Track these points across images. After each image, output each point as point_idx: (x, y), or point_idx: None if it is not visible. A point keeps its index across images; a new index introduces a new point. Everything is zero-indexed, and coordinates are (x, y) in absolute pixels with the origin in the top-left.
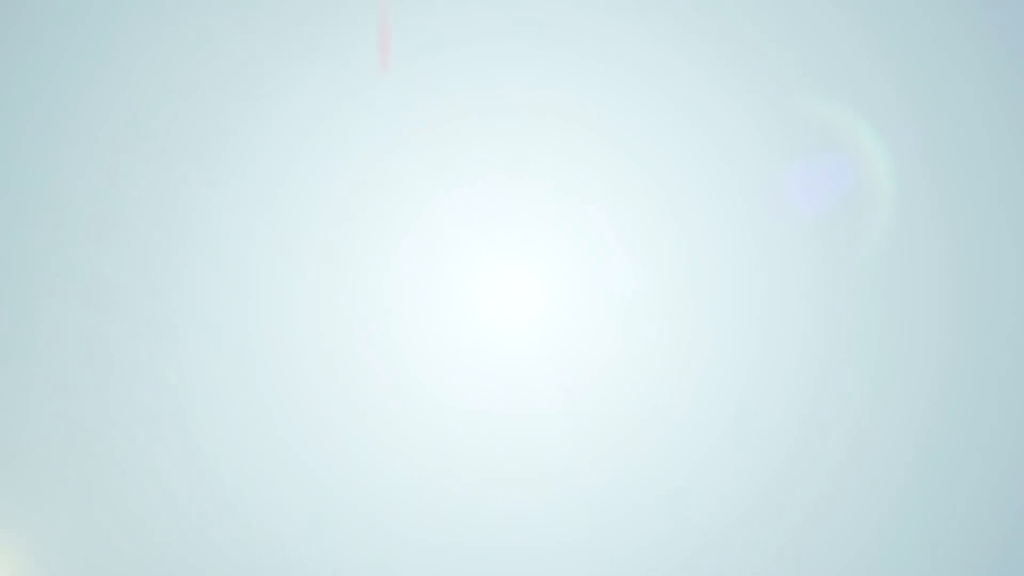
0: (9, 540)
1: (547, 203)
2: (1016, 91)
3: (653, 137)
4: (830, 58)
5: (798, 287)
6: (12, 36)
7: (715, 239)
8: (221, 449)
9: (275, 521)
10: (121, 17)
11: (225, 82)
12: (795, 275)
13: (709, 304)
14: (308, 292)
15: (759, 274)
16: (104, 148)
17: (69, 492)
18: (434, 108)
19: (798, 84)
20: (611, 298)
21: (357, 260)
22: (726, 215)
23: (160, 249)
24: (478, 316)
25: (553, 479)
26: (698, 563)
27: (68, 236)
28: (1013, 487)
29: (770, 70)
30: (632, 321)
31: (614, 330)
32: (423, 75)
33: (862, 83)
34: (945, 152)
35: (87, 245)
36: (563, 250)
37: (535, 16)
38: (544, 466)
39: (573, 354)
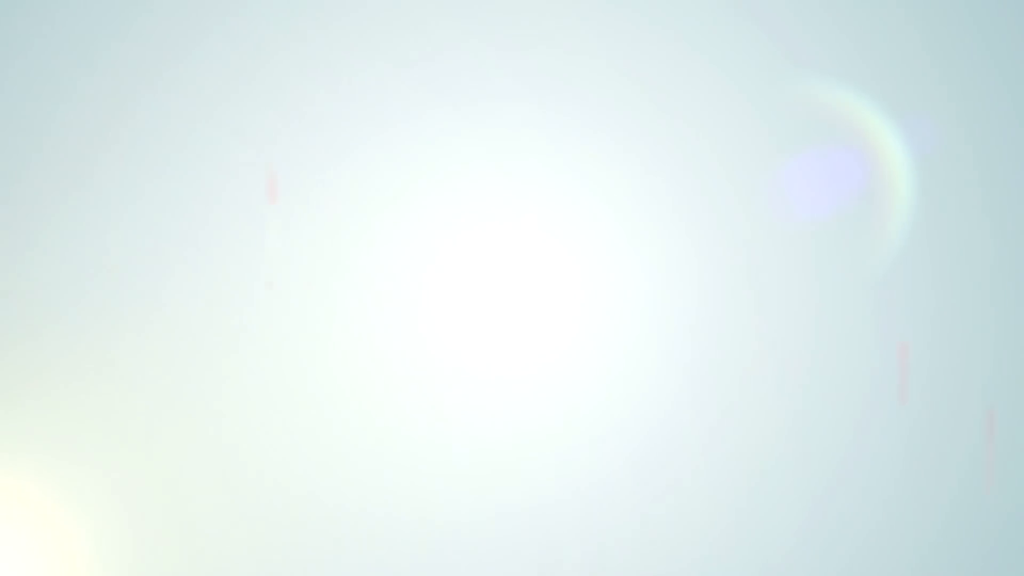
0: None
1: (549, 198)
2: None
3: (656, 130)
4: (842, 42)
5: (807, 290)
6: None
7: (718, 239)
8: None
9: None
10: None
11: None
12: (803, 278)
13: (714, 306)
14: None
15: (766, 276)
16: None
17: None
18: (428, 111)
19: (808, 71)
20: (615, 297)
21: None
22: (729, 213)
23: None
24: (469, 317)
25: (558, 475)
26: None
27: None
28: None
29: (777, 57)
30: (636, 321)
31: (618, 329)
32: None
33: (876, 69)
34: (968, 146)
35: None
36: (565, 249)
37: (531, 14)
38: (549, 462)
39: (575, 354)
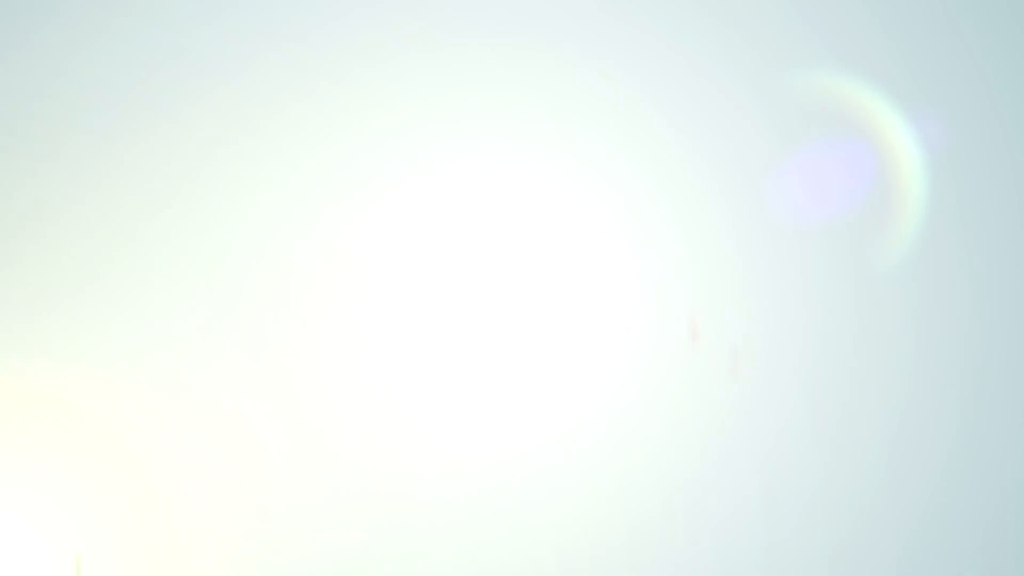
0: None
1: (540, 200)
2: None
3: (654, 125)
4: (850, 30)
5: (812, 296)
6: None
7: (718, 240)
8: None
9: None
10: None
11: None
12: (810, 284)
13: (716, 313)
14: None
15: (769, 278)
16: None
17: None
18: (424, 111)
19: (811, 58)
20: (609, 299)
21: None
22: (730, 213)
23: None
24: (468, 314)
25: (549, 477)
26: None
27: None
28: None
29: (778, 44)
30: (630, 324)
31: (612, 334)
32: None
33: (887, 58)
34: (986, 141)
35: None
36: (560, 251)
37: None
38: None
39: (571, 358)
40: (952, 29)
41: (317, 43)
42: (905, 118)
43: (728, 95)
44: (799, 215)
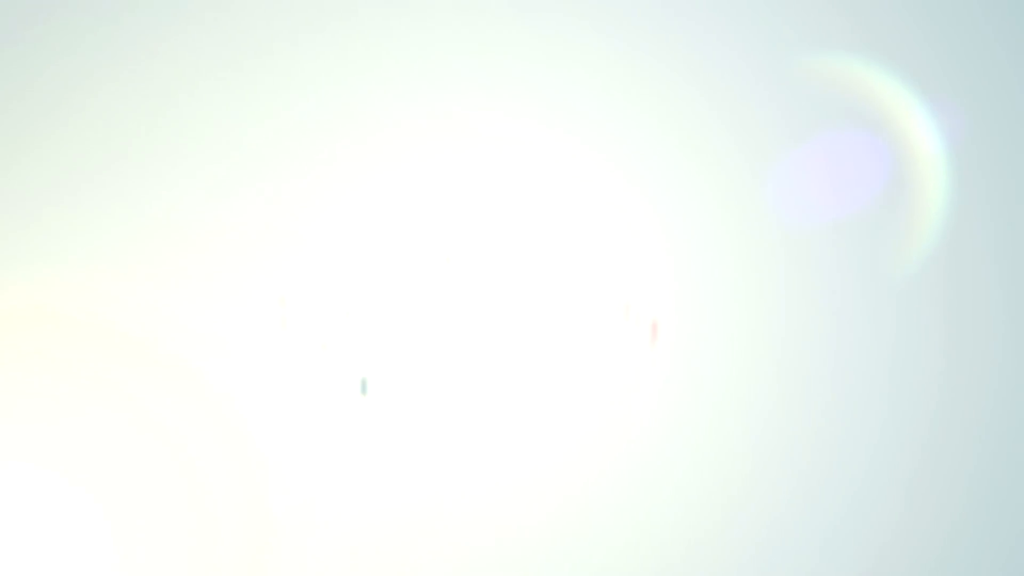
0: None
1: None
2: None
3: (651, 122)
4: (863, 14)
5: (821, 298)
6: None
7: (718, 241)
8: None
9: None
10: None
11: None
12: (819, 285)
13: (719, 318)
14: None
15: (775, 281)
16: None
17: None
18: (425, 105)
19: (827, 43)
20: (616, 301)
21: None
22: (731, 213)
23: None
24: (470, 317)
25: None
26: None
27: None
28: None
29: (786, 26)
30: (639, 328)
31: (620, 336)
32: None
33: (903, 43)
34: (1009, 134)
35: None
36: (559, 248)
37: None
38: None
39: (575, 358)
40: (976, 13)
41: None
42: (924, 108)
43: (730, 79)
44: (806, 212)
